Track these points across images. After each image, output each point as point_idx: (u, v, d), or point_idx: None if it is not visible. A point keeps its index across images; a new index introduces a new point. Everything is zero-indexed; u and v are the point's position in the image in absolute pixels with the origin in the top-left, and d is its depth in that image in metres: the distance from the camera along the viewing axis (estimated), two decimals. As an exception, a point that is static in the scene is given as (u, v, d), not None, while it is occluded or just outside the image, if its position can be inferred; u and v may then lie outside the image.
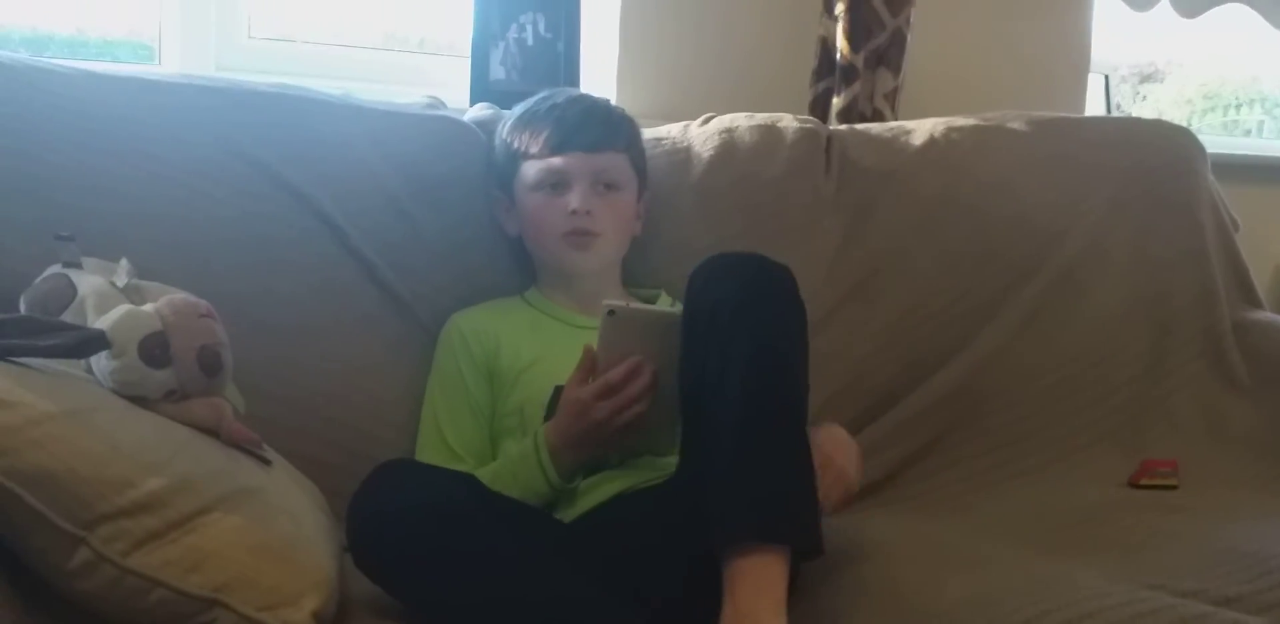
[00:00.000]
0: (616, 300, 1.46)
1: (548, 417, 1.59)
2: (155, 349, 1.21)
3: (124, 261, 1.37)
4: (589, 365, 1.49)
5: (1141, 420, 2.00)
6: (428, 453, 1.63)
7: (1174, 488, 1.84)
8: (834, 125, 2.25)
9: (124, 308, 1.23)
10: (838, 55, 2.31)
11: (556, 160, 1.70)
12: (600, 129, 1.73)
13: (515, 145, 1.74)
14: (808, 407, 1.33)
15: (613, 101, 1.85)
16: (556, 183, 1.70)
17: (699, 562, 1.24)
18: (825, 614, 1.31)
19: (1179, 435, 2.00)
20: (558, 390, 1.59)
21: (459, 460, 1.61)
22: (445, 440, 1.63)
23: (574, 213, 1.68)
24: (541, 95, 1.78)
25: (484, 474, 1.52)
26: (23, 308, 1.34)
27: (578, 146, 1.70)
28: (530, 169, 1.72)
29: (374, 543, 1.25)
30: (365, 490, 1.29)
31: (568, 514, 1.52)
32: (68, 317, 1.29)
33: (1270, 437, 1.97)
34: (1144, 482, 1.85)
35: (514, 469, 1.52)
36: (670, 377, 1.41)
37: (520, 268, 1.82)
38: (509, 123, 1.77)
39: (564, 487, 1.51)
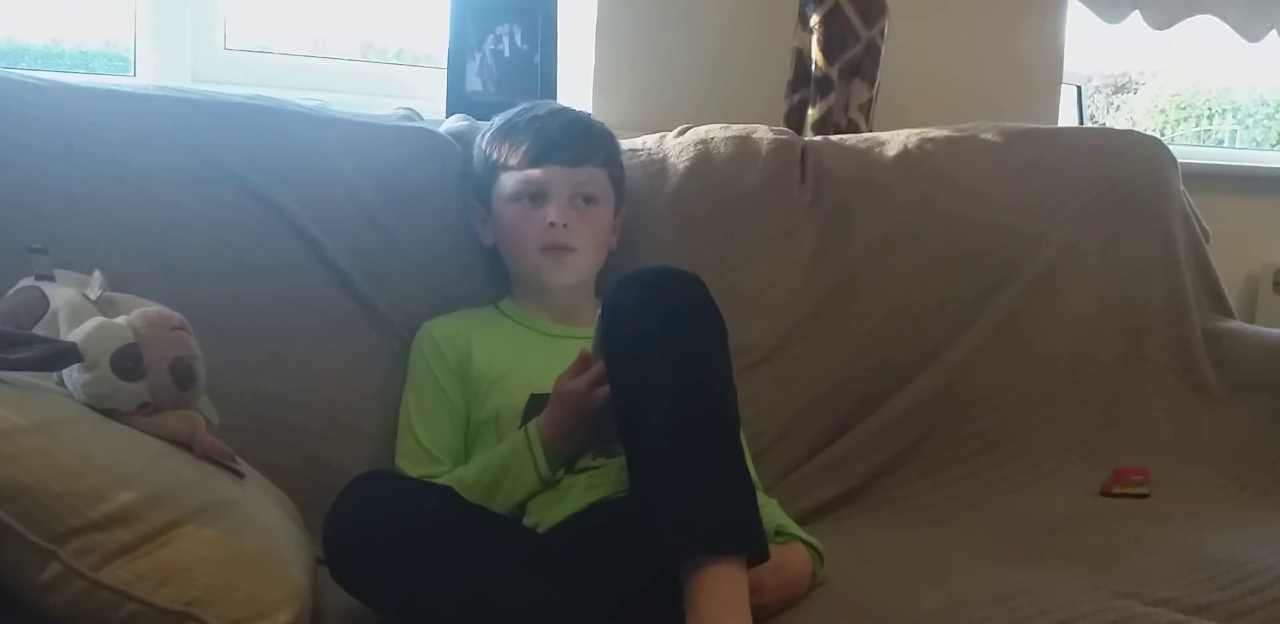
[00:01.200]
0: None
1: (523, 422, 1.59)
2: (128, 362, 1.20)
3: (97, 274, 1.36)
4: (582, 367, 1.50)
5: (1114, 429, 2.01)
6: (405, 458, 1.63)
7: (1146, 496, 1.85)
8: (809, 136, 2.26)
9: (96, 320, 1.22)
10: (813, 67, 2.32)
11: (535, 172, 1.70)
12: (581, 143, 1.73)
13: (494, 156, 1.74)
14: (737, 413, 1.34)
15: (589, 113, 1.85)
16: (535, 195, 1.70)
17: (670, 573, 1.24)
18: (800, 623, 1.31)
19: (1151, 444, 2.01)
20: (534, 398, 1.59)
21: (437, 463, 1.61)
22: (422, 444, 1.63)
23: (551, 226, 1.68)
24: (522, 107, 1.78)
25: (470, 470, 1.53)
26: (-6, 320, 1.33)
27: (557, 160, 1.70)
28: (509, 180, 1.72)
29: (350, 556, 1.25)
30: (341, 504, 1.28)
31: (543, 521, 1.52)
32: (40, 329, 1.29)
33: (1241, 445, 1.98)
34: (1116, 490, 1.86)
35: (503, 462, 1.53)
36: None
37: (494, 278, 1.82)
38: (488, 133, 1.77)
39: (550, 479, 1.52)
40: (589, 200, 1.72)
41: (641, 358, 1.31)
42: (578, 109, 1.83)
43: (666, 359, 1.30)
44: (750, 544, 1.24)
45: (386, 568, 1.22)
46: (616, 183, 1.80)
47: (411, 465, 1.61)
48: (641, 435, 1.30)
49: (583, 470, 1.55)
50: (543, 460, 1.51)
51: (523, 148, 1.70)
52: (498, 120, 1.78)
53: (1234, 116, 3.57)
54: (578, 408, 1.49)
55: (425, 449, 1.63)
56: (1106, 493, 1.87)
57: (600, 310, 1.42)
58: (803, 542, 1.46)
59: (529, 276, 1.74)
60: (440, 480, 1.53)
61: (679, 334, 1.32)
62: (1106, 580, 1.41)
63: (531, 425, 1.54)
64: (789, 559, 1.38)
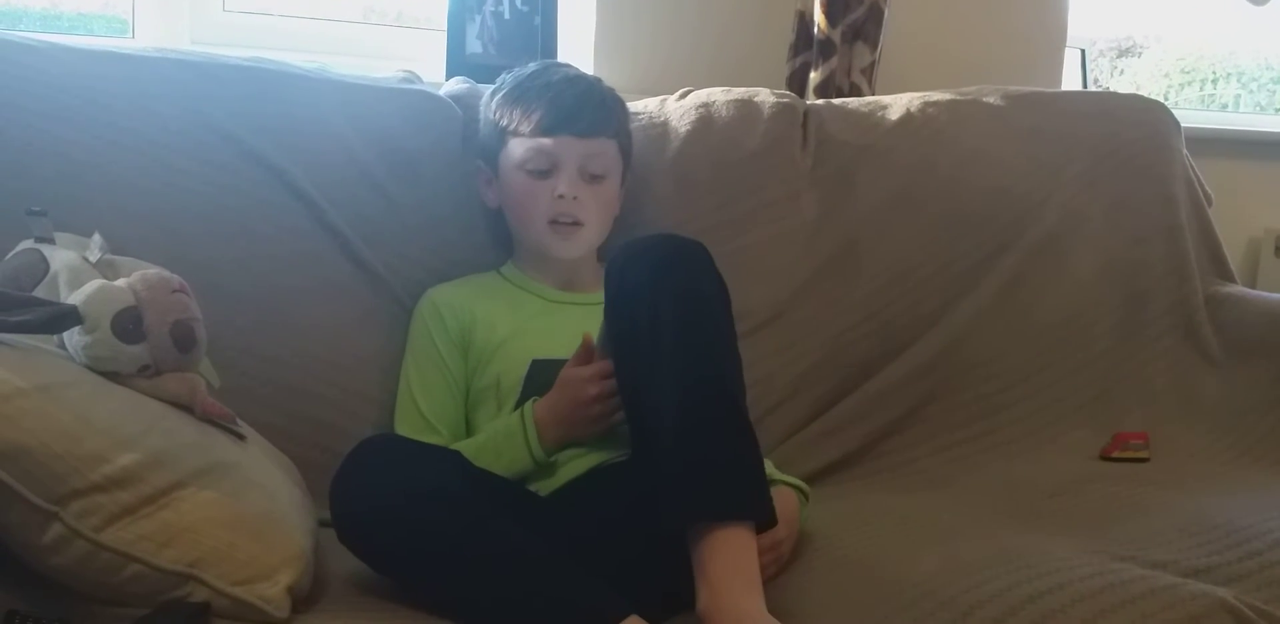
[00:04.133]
0: None
1: (524, 389, 1.60)
2: (128, 324, 1.20)
3: (97, 237, 1.36)
4: (587, 353, 1.51)
5: (1114, 393, 2.01)
6: (404, 425, 1.64)
7: (1145, 460, 1.85)
8: (811, 100, 2.24)
9: (97, 283, 1.23)
10: (815, 30, 2.31)
11: (547, 142, 1.68)
12: (594, 114, 1.71)
13: (504, 121, 1.72)
14: (743, 384, 1.34)
15: (600, 78, 1.82)
16: (544, 164, 1.69)
17: (673, 537, 1.25)
18: (798, 587, 1.32)
19: (1151, 408, 2.01)
20: (535, 364, 1.59)
21: (434, 432, 1.62)
22: (421, 412, 1.63)
23: (560, 198, 1.67)
24: (533, 69, 1.76)
25: (465, 447, 1.52)
26: (-6, 283, 1.33)
27: (570, 130, 1.68)
28: (518, 147, 1.70)
29: (362, 519, 1.25)
30: (352, 469, 1.29)
31: (544, 487, 1.53)
32: (40, 292, 1.29)
33: (1241, 410, 1.98)
34: (1116, 454, 1.86)
35: (497, 444, 1.53)
36: None
37: (495, 242, 1.82)
38: (499, 95, 1.74)
39: (545, 462, 1.52)
40: (597, 176, 1.71)
41: (649, 331, 1.31)
42: (589, 74, 1.80)
43: (674, 334, 1.29)
44: (759, 510, 1.24)
45: (397, 532, 1.23)
46: (625, 154, 1.79)
47: (410, 432, 1.61)
48: (648, 406, 1.30)
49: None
50: (537, 446, 1.51)
51: (536, 116, 1.68)
52: (508, 81, 1.75)
53: (1238, 81, 3.55)
54: (579, 397, 1.49)
55: (424, 417, 1.63)
56: (1106, 457, 1.87)
57: (605, 281, 1.41)
58: (787, 484, 1.48)
59: (534, 246, 1.74)
60: None
61: (687, 309, 1.32)
62: (1104, 544, 1.42)
63: (528, 406, 1.54)
64: (783, 506, 1.38)
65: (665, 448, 1.26)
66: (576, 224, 1.69)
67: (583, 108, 1.70)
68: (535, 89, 1.71)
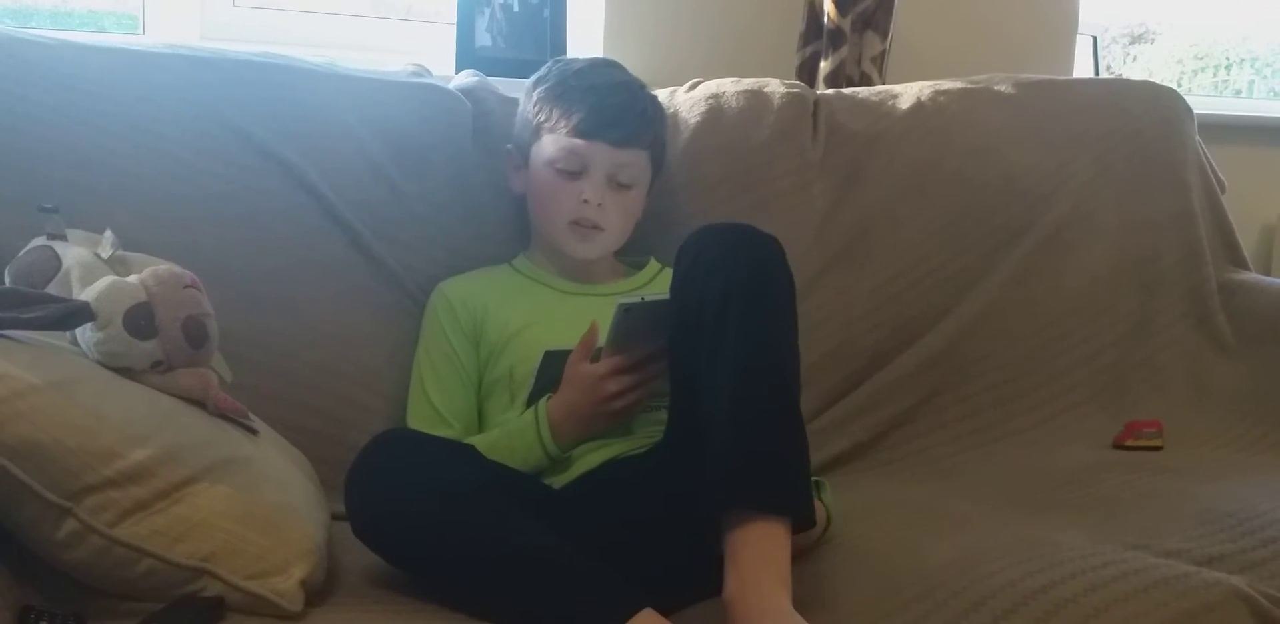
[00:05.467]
0: (629, 298, 1.45)
1: (537, 380, 1.60)
2: (140, 320, 1.21)
3: (108, 233, 1.37)
4: (590, 343, 1.51)
5: (1127, 381, 2.01)
6: (416, 418, 1.65)
7: (1159, 449, 1.85)
8: (821, 90, 2.24)
9: (109, 279, 1.23)
10: (825, 19, 2.30)
11: (580, 144, 1.68)
12: (632, 125, 1.71)
13: (542, 116, 1.71)
14: (799, 378, 1.33)
15: (644, 85, 1.81)
16: (574, 166, 1.69)
17: (691, 528, 1.25)
18: (812, 576, 1.31)
19: (1164, 396, 2.00)
20: (548, 355, 1.60)
21: (446, 426, 1.62)
22: (433, 405, 1.64)
23: (585, 202, 1.68)
24: (582, 65, 1.75)
25: (478, 443, 1.53)
26: (7, 280, 1.34)
27: (605, 138, 1.68)
28: (551, 144, 1.70)
29: (379, 515, 1.26)
30: (368, 467, 1.28)
31: (558, 480, 1.54)
32: (52, 289, 1.29)
33: (1254, 397, 1.97)
34: (1129, 443, 1.86)
35: (511, 442, 1.54)
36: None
37: (506, 235, 1.82)
38: (543, 87, 1.73)
39: (560, 458, 1.53)
40: (625, 185, 1.71)
41: (715, 315, 1.30)
42: (635, 79, 1.79)
43: (739, 321, 1.28)
44: (801, 508, 1.24)
45: (418, 532, 1.23)
46: (656, 165, 1.79)
47: (422, 426, 1.62)
48: (704, 389, 1.28)
49: None
50: (551, 444, 1.52)
51: (575, 117, 1.68)
52: (554, 74, 1.74)
53: (1252, 67, 3.53)
54: (598, 394, 1.50)
55: (436, 411, 1.64)
56: (1119, 446, 1.87)
57: (675, 262, 1.40)
58: None
59: (550, 241, 1.74)
60: None
61: (755, 298, 1.31)
62: (1118, 532, 1.41)
63: (541, 404, 1.54)
64: None
65: (716, 432, 1.24)
66: (597, 228, 1.69)
67: (622, 117, 1.70)
68: (579, 89, 1.70)
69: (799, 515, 1.23)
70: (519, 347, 1.64)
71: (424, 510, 1.23)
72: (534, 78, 1.77)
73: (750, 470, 1.22)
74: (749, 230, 1.38)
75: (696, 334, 1.31)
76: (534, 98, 1.74)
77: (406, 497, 1.24)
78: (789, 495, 1.23)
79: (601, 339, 1.50)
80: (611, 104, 1.70)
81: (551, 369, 1.58)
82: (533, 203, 1.75)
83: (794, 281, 1.37)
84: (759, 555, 1.19)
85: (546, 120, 1.70)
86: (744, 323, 1.28)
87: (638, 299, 1.44)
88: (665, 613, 1.19)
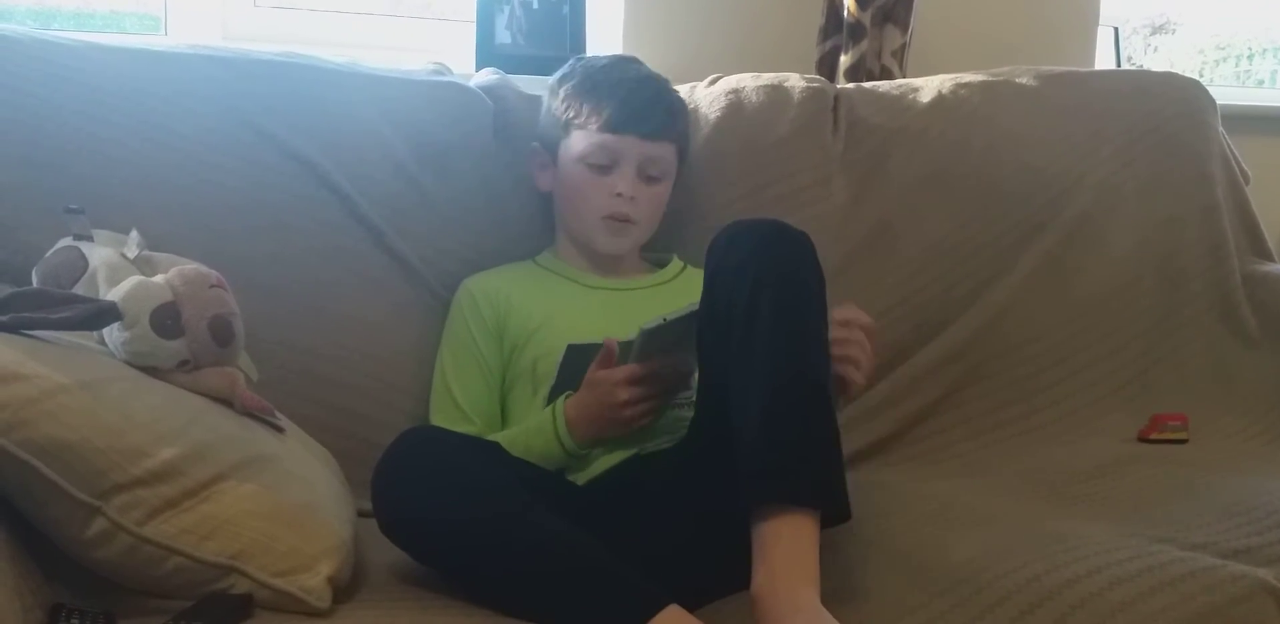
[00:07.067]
0: (652, 322, 1.45)
1: (560, 374, 1.61)
2: (167, 320, 1.22)
3: (134, 233, 1.38)
4: (608, 358, 1.52)
5: (1151, 375, 2.00)
6: (439, 415, 1.66)
7: (1184, 442, 1.84)
8: (841, 84, 2.24)
9: (135, 279, 1.24)
10: (845, 13, 2.30)
11: (611, 138, 1.69)
12: (662, 118, 1.73)
13: (571, 113, 1.72)
14: (830, 369, 1.33)
15: (668, 81, 1.83)
16: (605, 160, 1.70)
17: (715, 524, 1.26)
18: (835, 572, 1.31)
19: (1189, 389, 1.99)
20: (571, 349, 1.60)
21: (468, 422, 1.63)
22: (456, 402, 1.65)
23: (618, 196, 1.69)
24: (607, 62, 1.77)
25: (501, 439, 1.53)
26: (35, 281, 1.35)
27: (636, 131, 1.69)
28: (581, 140, 1.71)
29: (409, 513, 1.26)
30: (395, 462, 1.29)
31: (581, 477, 1.54)
32: (79, 289, 1.30)
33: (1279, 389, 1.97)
34: (1154, 436, 1.85)
35: (529, 439, 1.55)
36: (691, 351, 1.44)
37: (529, 232, 1.83)
38: (569, 85, 1.75)
39: (579, 454, 1.54)
40: (654, 178, 1.73)
41: (746, 311, 1.29)
42: (659, 75, 1.81)
43: (772, 316, 1.28)
44: (834, 502, 1.23)
45: (449, 533, 1.23)
46: (681, 157, 1.80)
47: (445, 422, 1.63)
48: (736, 384, 1.28)
49: None
50: (569, 441, 1.53)
51: (605, 112, 1.69)
52: (579, 71, 1.76)
53: (1274, 56, 3.51)
54: (608, 401, 1.50)
55: (459, 407, 1.64)
56: (1144, 439, 1.86)
57: (706, 258, 1.39)
58: None
59: (581, 237, 1.74)
60: None
61: (787, 293, 1.30)
62: (1143, 526, 1.41)
63: (559, 403, 1.55)
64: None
65: (748, 427, 1.24)
66: (629, 221, 1.70)
67: (652, 110, 1.72)
68: (607, 85, 1.72)
69: (832, 508, 1.23)
70: (542, 340, 1.65)
71: (451, 508, 1.23)
72: (558, 76, 1.78)
73: (783, 464, 1.22)
74: (780, 227, 1.37)
75: (726, 333, 1.31)
76: (560, 95, 1.75)
77: (434, 494, 1.25)
78: (822, 489, 1.23)
79: (626, 357, 1.51)
80: (640, 98, 1.71)
81: (574, 363, 1.59)
82: (562, 199, 1.76)
83: (824, 278, 1.37)
84: (789, 550, 1.18)
85: (575, 116, 1.71)
86: (776, 320, 1.28)
87: (660, 321, 1.44)
88: (690, 609, 1.19)
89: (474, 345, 1.67)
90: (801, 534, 1.20)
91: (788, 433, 1.23)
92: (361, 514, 1.35)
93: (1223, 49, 3.52)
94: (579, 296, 1.72)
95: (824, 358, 1.32)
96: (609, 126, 1.69)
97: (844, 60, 2.31)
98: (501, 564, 1.22)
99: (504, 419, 1.67)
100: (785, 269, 1.32)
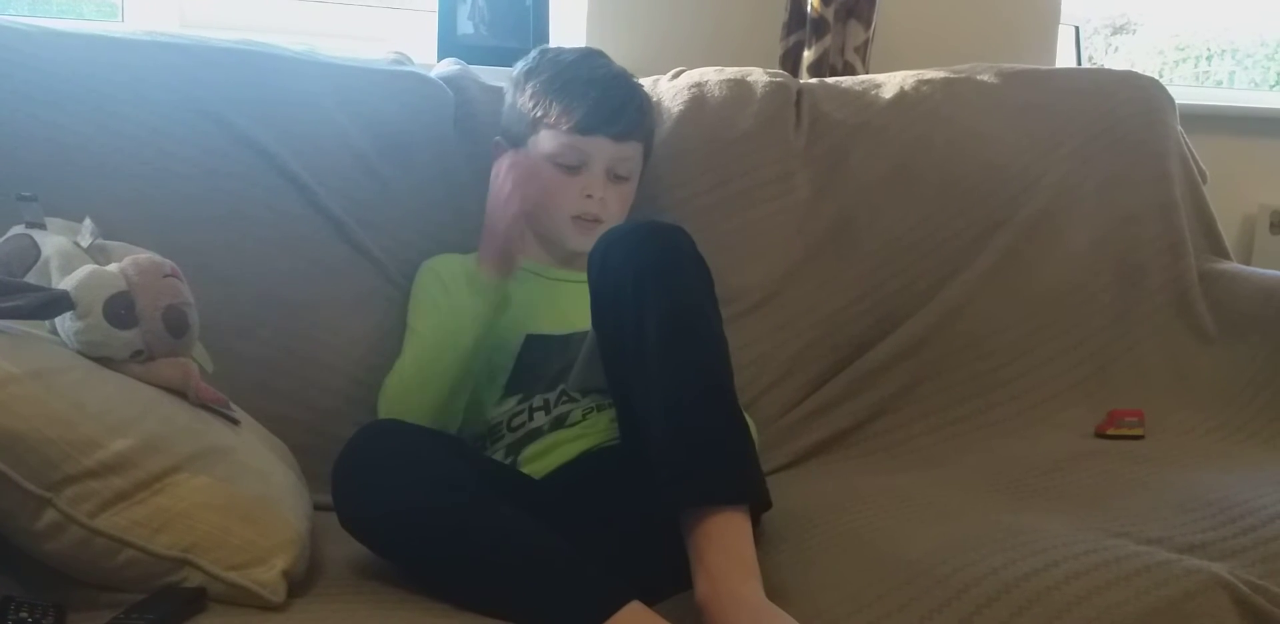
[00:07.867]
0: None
1: (517, 364, 1.60)
2: (120, 309, 1.20)
3: (88, 221, 1.36)
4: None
5: (1109, 371, 2.02)
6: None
7: (1140, 437, 1.85)
8: (805, 79, 2.24)
9: (88, 268, 1.22)
10: (808, 8, 2.30)
11: (582, 140, 1.69)
12: (632, 119, 1.73)
13: (540, 112, 1.71)
14: (730, 362, 1.33)
15: (633, 77, 1.83)
16: (574, 161, 1.70)
17: (660, 523, 1.25)
18: (793, 565, 1.32)
19: (1146, 385, 2.01)
20: (529, 339, 1.60)
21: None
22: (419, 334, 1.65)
23: (589, 198, 1.69)
24: (574, 58, 1.76)
25: (428, 329, 1.59)
26: (-14, 269, 1.33)
27: (606, 132, 1.70)
28: (550, 139, 1.70)
29: (370, 512, 1.25)
30: (356, 456, 1.28)
31: (537, 471, 1.53)
32: (32, 277, 1.28)
33: (1235, 386, 1.98)
34: (1111, 432, 1.86)
35: (443, 323, 1.58)
36: None
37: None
38: (538, 81, 1.73)
39: (494, 295, 1.57)
40: (621, 177, 1.74)
41: (634, 318, 1.30)
42: (626, 72, 1.81)
43: (658, 323, 1.28)
44: (753, 492, 1.24)
45: (405, 521, 1.22)
46: (646, 156, 1.81)
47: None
48: (637, 393, 1.29)
49: (571, 424, 1.56)
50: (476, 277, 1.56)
51: (577, 113, 1.69)
52: (545, 66, 1.75)
53: (1233, 57, 3.54)
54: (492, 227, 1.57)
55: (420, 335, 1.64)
56: (1101, 434, 1.87)
57: (588, 269, 1.41)
58: None
59: (548, 234, 1.74)
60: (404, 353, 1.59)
61: (670, 297, 1.31)
62: (1099, 521, 1.42)
63: None
64: None
65: (656, 434, 1.25)
66: (598, 221, 1.70)
67: (623, 111, 1.72)
68: (578, 84, 1.71)
69: (753, 498, 1.23)
70: (500, 330, 1.63)
71: (413, 503, 1.22)
72: (523, 69, 1.77)
73: (695, 465, 1.22)
74: (654, 223, 1.40)
75: (619, 341, 1.33)
76: (527, 91, 1.74)
77: (393, 487, 1.24)
78: (737, 483, 1.23)
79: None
80: (614, 99, 1.72)
81: (533, 353, 1.59)
82: None
83: (707, 268, 1.38)
84: (722, 549, 1.18)
85: (544, 115, 1.71)
86: (664, 324, 1.28)
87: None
88: (649, 603, 1.19)
89: (438, 311, 1.65)
90: (729, 531, 1.20)
91: (693, 435, 1.24)
92: (319, 507, 1.33)
93: (1182, 50, 3.55)
94: (538, 288, 1.72)
95: (720, 351, 1.32)
96: (580, 128, 1.69)
97: (807, 55, 2.31)
98: (464, 559, 1.21)
99: (464, 409, 1.65)
100: (663, 256, 1.34)
